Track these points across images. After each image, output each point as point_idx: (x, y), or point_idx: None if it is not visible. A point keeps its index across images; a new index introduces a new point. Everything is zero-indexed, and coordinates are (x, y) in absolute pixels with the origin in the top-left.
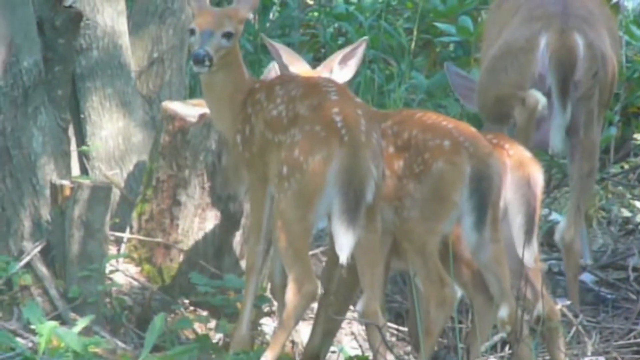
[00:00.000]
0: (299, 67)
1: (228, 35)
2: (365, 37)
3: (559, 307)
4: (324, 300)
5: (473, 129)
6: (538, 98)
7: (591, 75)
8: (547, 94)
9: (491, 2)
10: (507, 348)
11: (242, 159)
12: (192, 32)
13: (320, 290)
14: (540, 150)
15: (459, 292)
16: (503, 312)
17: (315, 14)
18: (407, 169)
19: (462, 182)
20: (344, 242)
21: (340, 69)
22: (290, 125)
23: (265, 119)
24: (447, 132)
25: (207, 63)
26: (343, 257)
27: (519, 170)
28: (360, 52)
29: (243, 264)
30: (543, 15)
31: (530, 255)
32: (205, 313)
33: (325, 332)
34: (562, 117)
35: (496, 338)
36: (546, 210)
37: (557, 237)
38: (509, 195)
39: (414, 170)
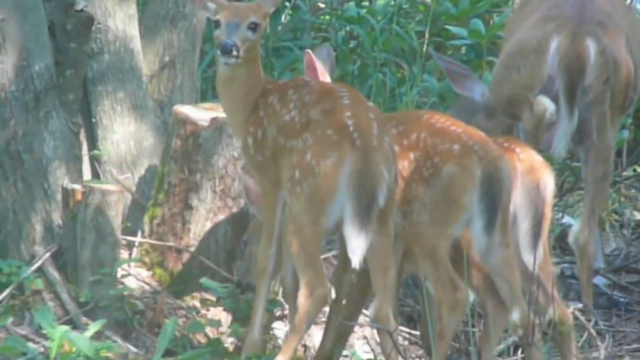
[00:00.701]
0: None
1: (254, 27)
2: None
3: (571, 310)
4: (335, 304)
5: (482, 133)
6: (546, 105)
7: (602, 81)
8: (556, 97)
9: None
10: (519, 352)
11: (253, 162)
12: (217, 24)
13: (332, 294)
14: (548, 153)
15: (471, 296)
16: (515, 315)
17: (327, 17)
18: (416, 173)
19: (472, 185)
20: (356, 246)
21: None
22: (303, 130)
23: (278, 124)
24: (456, 136)
25: (234, 53)
26: (355, 261)
27: (529, 174)
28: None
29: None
30: (559, 16)
31: (537, 259)
32: (217, 317)
33: (338, 336)
34: (569, 122)
35: (508, 342)
36: (559, 214)
37: (571, 239)
38: (518, 200)
39: (423, 174)
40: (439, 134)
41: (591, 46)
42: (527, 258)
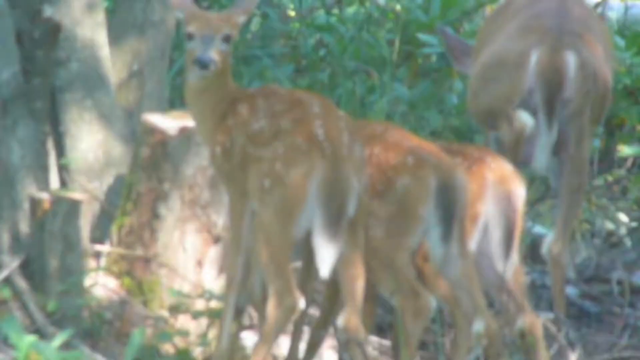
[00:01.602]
0: None
1: (227, 39)
2: None
3: (542, 320)
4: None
5: (435, 146)
6: (525, 121)
7: (582, 94)
8: (535, 110)
9: (494, 9)
10: None
11: (221, 171)
12: (191, 36)
13: (301, 304)
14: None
15: (433, 302)
16: (478, 326)
17: (296, 25)
18: (369, 189)
19: (428, 196)
20: (326, 256)
21: None
22: (272, 139)
23: (247, 133)
24: (409, 150)
25: (212, 67)
26: (324, 271)
27: (500, 184)
28: None
29: (223, 277)
30: (539, 28)
31: (509, 268)
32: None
33: (309, 347)
34: (548, 135)
35: (479, 352)
36: (529, 223)
37: (544, 250)
38: (489, 209)
39: (378, 189)
40: (391, 149)
41: (571, 60)
42: (500, 267)
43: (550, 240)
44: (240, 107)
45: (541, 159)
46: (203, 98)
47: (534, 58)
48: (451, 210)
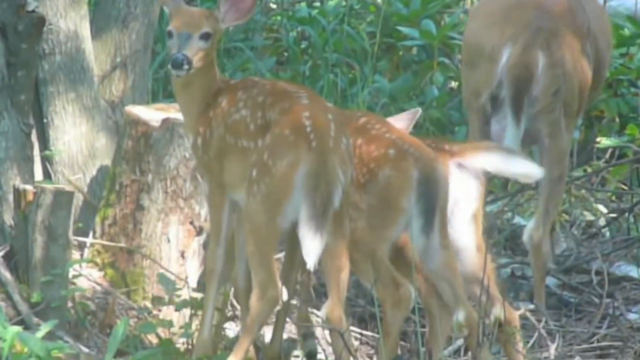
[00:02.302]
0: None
1: (206, 37)
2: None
3: (522, 311)
4: (284, 303)
5: (416, 139)
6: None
7: (551, 93)
8: (503, 104)
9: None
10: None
11: (201, 162)
12: (170, 34)
13: (284, 296)
14: None
15: (414, 293)
16: (460, 316)
17: (278, 17)
18: (352, 181)
19: (409, 187)
20: (312, 247)
21: None
22: (260, 131)
23: (227, 123)
24: (391, 142)
25: (185, 67)
26: (310, 262)
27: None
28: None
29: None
30: (517, 21)
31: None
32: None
33: (303, 336)
34: (516, 129)
35: (459, 342)
36: (509, 214)
37: (525, 237)
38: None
39: (360, 180)
40: (373, 141)
41: (541, 59)
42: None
43: (531, 227)
44: (221, 98)
45: None
46: (188, 91)
47: (505, 55)
48: (432, 202)
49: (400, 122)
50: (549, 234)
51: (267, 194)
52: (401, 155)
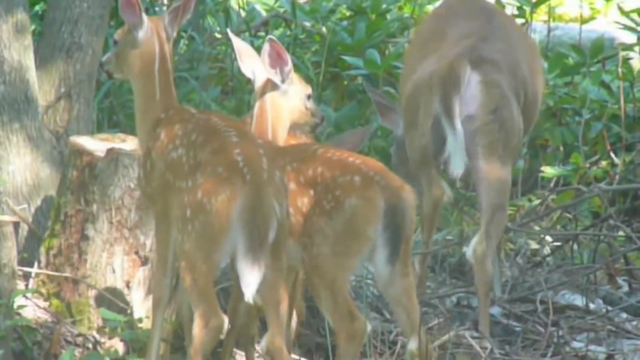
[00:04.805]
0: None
1: (114, 43)
2: None
3: (467, 338)
4: (230, 334)
5: (380, 164)
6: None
7: (488, 111)
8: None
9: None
10: None
11: (145, 193)
12: None
13: (227, 325)
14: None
15: (369, 326)
16: (412, 345)
17: (223, 47)
18: (316, 207)
19: (376, 218)
20: (250, 280)
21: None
22: (192, 171)
23: (166, 160)
24: (356, 168)
25: (104, 68)
26: (249, 295)
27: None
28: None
29: (151, 298)
30: (462, 37)
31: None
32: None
33: None
34: (453, 136)
35: None
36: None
37: (469, 252)
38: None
39: (324, 207)
40: (337, 167)
41: (469, 71)
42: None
43: (475, 241)
44: (159, 129)
45: (457, 163)
46: (136, 100)
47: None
48: (399, 232)
49: (353, 137)
50: (497, 262)
51: (202, 231)
52: (367, 183)
